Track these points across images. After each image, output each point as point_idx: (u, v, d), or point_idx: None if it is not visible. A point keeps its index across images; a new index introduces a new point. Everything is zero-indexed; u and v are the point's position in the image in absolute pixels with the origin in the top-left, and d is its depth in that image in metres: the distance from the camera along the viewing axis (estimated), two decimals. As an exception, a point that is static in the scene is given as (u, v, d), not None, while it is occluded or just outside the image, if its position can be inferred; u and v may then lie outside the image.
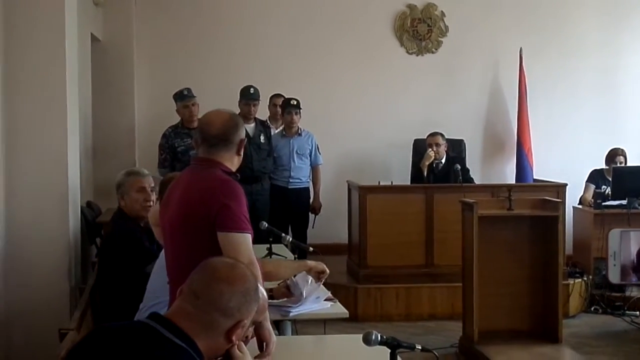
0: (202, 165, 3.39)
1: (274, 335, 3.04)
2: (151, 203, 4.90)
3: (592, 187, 8.32)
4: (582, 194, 8.46)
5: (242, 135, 3.43)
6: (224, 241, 3.13)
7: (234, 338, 2.20)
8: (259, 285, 2.28)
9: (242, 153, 3.45)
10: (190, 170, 3.48)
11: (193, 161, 3.50)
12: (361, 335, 2.79)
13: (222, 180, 3.28)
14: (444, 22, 9.61)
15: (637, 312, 7.35)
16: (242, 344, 2.31)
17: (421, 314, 7.41)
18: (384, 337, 2.73)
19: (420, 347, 2.77)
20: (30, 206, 4.77)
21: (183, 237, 3.29)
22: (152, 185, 4.99)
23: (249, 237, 3.20)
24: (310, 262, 4.12)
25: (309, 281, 4.16)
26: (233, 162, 3.41)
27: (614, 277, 7.41)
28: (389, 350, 2.75)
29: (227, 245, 3.11)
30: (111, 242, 4.88)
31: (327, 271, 4.11)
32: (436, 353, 2.91)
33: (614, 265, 7.37)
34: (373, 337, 2.70)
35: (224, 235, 3.14)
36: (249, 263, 2.93)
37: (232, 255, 2.97)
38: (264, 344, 2.91)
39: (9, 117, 4.71)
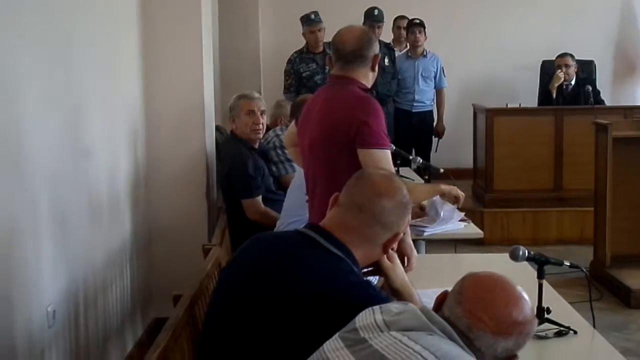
0: (339, 83, 3.39)
1: (415, 250, 3.08)
2: (260, 126, 4.98)
3: None
4: None
5: (376, 50, 3.41)
6: (364, 157, 3.16)
7: (389, 249, 2.26)
8: (410, 197, 2.31)
9: (376, 68, 3.44)
10: (327, 87, 3.49)
11: (330, 79, 3.51)
12: (497, 254, 2.78)
13: (360, 98, 3.30)
14: (573, -64, 9.26)
15: None
16: (394, 254, 2.36)
17: (549, 239, 7.33)
18: (532, 252, 2.71)
19: (568, 263, 2.75)
20: (169, 128, 4.90)
21: (323, 154, 3.33)
22: (263, 108, 5.05)
23: (388, 152, 3.23)
24: (444, 187, 4.10)
25: (444, 204, 4.16)
26: (368, 78, 3.41)
27: None
28: (535, 270, 2.73)
29: (368, 161, 3.14)
30: (224, 164, 5.02)
31: (462, 195, 4.10)
32: (584, 269, 2.87)
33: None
34: (521, 252, 2.68)
35: (364, 151, 3.17)
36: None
37: (378, 163, 3.04)
38: (405, 258, 2.95)
39: (148, 43, 4.82)
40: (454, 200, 4.09)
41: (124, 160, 4.42)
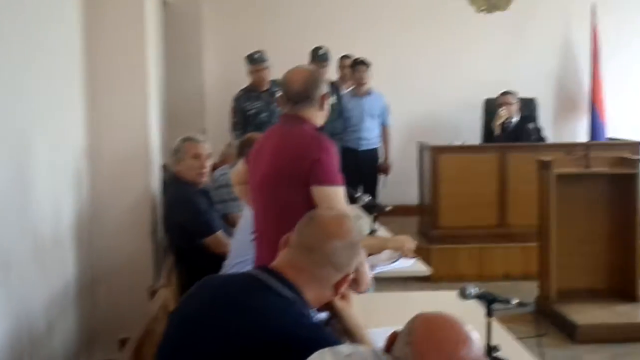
0: (290, 122, 3.42)
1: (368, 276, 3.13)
2: (206, 170, 4.96)
3: None
4: None
5: (324, 90, 3.45)
6: (318, 195, 3.19)
7: (340, 290, 2.25)
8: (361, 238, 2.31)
9: (325, 108, 3.47)
10: (279, 126, 3.53)
11: (281, 118, 3.54)
12: (446, 292, 2.79)
13: (312, 136, 3.33)
14: (513, -21, 9.47)
15: None
16: (347, 293, 2.35)
17: (495, 274, 7.37)
18: (480, 291, 2.72)
19: (517, 301, 2.77)
20: (113, 168, 4.84)
21: (275, 191, 3.33)
22: (209, 151, 5.04)
23: (342, 190, 3.26)
24: (394, 242, 4.15)
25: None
26: (318, 117, 3.45)
27: None
28: (483, 307, 2.75)
29: (322, 198, 3.17)
30: (171, 208, 4.97)
31: (413, 247, 4.20)
32: (532, 307, 2.89)
33: None
34: (469, 291, 2.69)
35: (318, 189, 3.20)
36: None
37: (332, 203, 3.10)
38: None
39: (92, 82, 4.78)
40: (404, 253, 4.17)
41: (68, 201, 4.35)
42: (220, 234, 4.83)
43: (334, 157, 3.29)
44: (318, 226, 2.25)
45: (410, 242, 4.23)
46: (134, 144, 4.88)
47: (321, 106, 3.44)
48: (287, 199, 3.27)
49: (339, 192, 3.24)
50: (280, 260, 2.24)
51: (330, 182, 3.22)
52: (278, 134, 3.48)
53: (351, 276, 2.27)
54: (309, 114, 3.41)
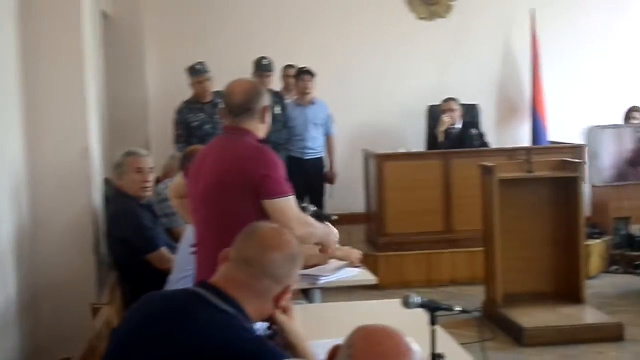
0: (232, 134, 3.44)
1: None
2: (149, 184, 4.92)
3: None
4: None
5: (265, 102, 3.48)
6: (270, 208, 3.25)
7: (281, 303, 2.22)
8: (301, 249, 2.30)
9: (267, 120, 3.49)
10: (221, 138, 3.54)
11: (223, 129, 3.55)
12: (392, 300, 2.78)
13: (255, 148, 3.35)
14: (453, -14, 9.56)
15: (658, 271, 7.36)
16: (289, 305, 2.32)
17: (442, 280, 7.44)
18: (423, 299, 2.72)
19: (459, 309, 2.77)
20: (53, 183, 4.75)
21: (217, 205, 3.34)
22: (151, 166, 5.01)
23: (292, 198, 3.32)
24: (339, 253, 4.20)
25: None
26: (259, 129, 3.47)
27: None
28: (427, 314, 2.74)
29: (275, 211, 3.24)
30: (113, 222, 4.90)
31: (359, 257, 4.33)
32: (475, 313, 2.90)
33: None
34: (412, 299, 2.69)
35: (269, 202, 3.25)
36: (299, 221, 3.24)
37: (281, 219, 3.12)
38: None
39: (29, 95, 4.68)
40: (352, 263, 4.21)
41: (7, 217, 4.25)
42: (163, 250, 4.78)
43: (280, 168, 3.34)
44: (256, 239, 2.23)
45: (356, 253, 4.28)
46: (74, 157, 4.79)
47: (262, 118, 3.46)
48: (230, 210, 3.28)
49: (290, 201, 3.30)
50: (219, 275, 2.22)
51: (281, 194, 3.28)
52: (220, 146, 3.48)
53: (292, 287, 2.24)
54: (250, 126, 3.42)
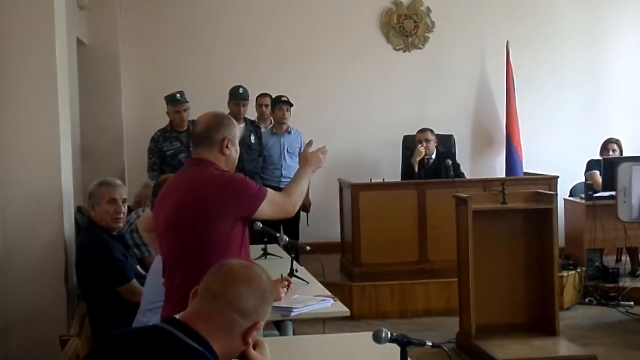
0: (194, 166, 3.44)
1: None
2: (122, 215, 4.88)
3: (597, 172, 7.98)
4: (585, 182, 8.12)
5: (227, 134, 3.43)
6: (260, 215, 3.41)
7: (250, 340, 2.18)
8: (272, 286, 2.27)
9: (227, 152, 3.44)
10: (184, 171, 3.53)
11: (186, 162, 3.55)
12: (364, 333, 2.77)
13: (217, 176, 3.35)
14: (430, 18, 9.64)
15: (632, 303, 7.36)
16: (263, 343, 2.28)
17: (416, 311, 7.40)
18: (394, 334, 2.71)
19: (430, 343, 2.76)
20: (24, 212, 4.71)
21: (182, 236, 3.32)
22: (125, 196, 4.96)
23: (270, 192, 3.42)
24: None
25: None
26: (220, 161, 3.42)
27: (624, 214, 6.92)
28: (399, 348, 2.73)
29: (265, 214, 3.41)
30: (83, 253, 4.85)
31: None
32: (446, 348, 2.89)
33: (624, 202, 6.89)
34: (383, 334, 2.67)
35: (258, 213, 3.37)
36: (285, 200, 3.48)
37: (276, 214, 3.46)
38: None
39: (0, 121, 4.65)
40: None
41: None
42: (134, 283, 4.73)
43: (246, 180, 3.40)
44: (223, 273, 2.20)
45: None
46: (45, 186, 4.75)
47: (221, 150, 3.40)
48: (194, 242, 3.26)
49: (271, 197, 3.40)
50: (188, 311, 2.18)
51: (261, 200, 3.34)
52: (184, 178, 3.47)
53: (261, 324, 2.21)
54: (210, 156, 3.40)
